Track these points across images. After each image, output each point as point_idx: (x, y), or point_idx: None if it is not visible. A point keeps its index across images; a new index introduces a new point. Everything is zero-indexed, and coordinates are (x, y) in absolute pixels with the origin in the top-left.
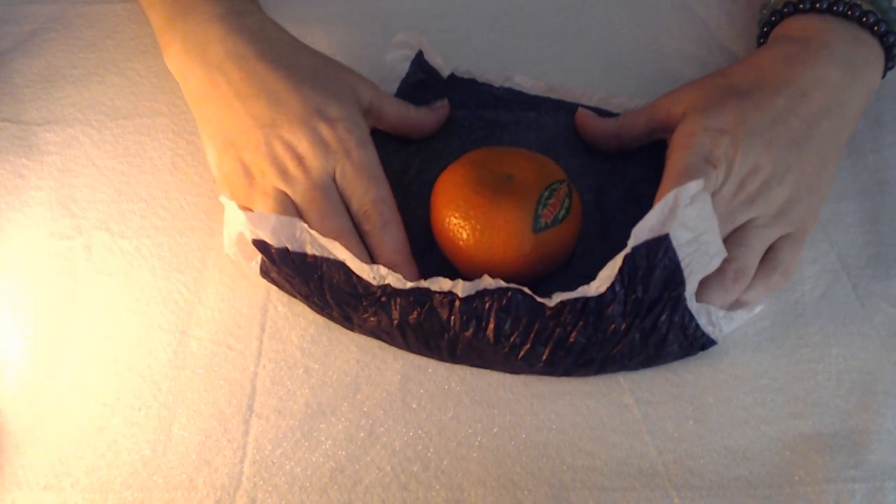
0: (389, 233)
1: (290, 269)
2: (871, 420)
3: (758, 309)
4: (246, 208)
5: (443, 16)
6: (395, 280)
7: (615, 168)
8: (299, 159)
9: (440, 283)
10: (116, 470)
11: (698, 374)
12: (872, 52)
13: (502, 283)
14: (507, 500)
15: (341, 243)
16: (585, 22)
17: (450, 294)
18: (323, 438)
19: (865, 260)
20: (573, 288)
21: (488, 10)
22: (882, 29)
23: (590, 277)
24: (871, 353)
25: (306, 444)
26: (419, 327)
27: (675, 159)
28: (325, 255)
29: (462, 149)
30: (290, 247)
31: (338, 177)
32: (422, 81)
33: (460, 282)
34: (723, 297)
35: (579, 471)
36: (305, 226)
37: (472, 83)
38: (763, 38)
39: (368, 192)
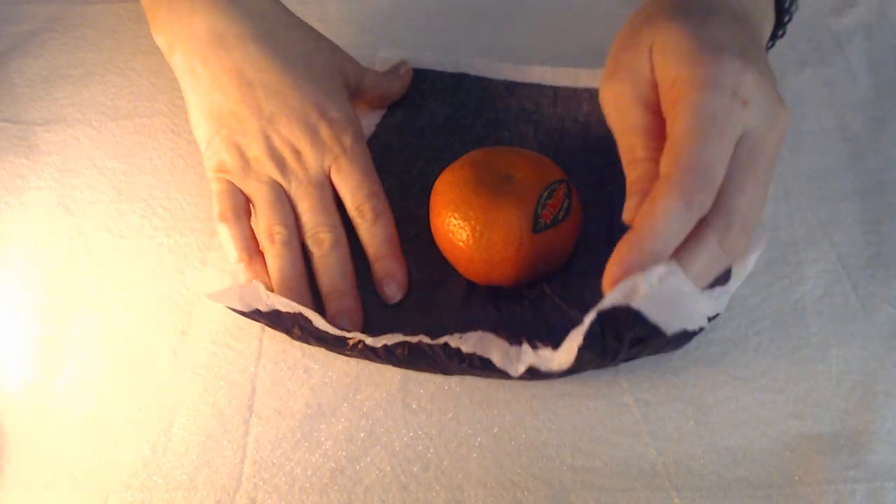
0: (381, 224)
1: (269, 323)
2: (871, 420)
3: (751, 264)
4: (237, 193)
5: (442, 15)
6: (370, 340)
7: (615, 164)
8: (297, 154)
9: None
10: (116, 470)
11: (698, 374)
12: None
13: (464, 349)
14: (507, 501)
15: (330, 239)
16: (586, 21)
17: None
18: (323, 439)
19: (865, 260)
20: (574, 287)
21: (488, 8)
22: None
23: (590, 276)
24: (871, 354)
25: (306, 444)
26: (408, 361)
27: (690, 103)
28: (297, 310)
29: (462, 149)
30: (261, 308)
31: (333, 173)
32: (420, 91)
33: (422, 339)
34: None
35: (579, 471)
36: (269, 292)
37: (472, 80)
38: None
39: (362, 186)
